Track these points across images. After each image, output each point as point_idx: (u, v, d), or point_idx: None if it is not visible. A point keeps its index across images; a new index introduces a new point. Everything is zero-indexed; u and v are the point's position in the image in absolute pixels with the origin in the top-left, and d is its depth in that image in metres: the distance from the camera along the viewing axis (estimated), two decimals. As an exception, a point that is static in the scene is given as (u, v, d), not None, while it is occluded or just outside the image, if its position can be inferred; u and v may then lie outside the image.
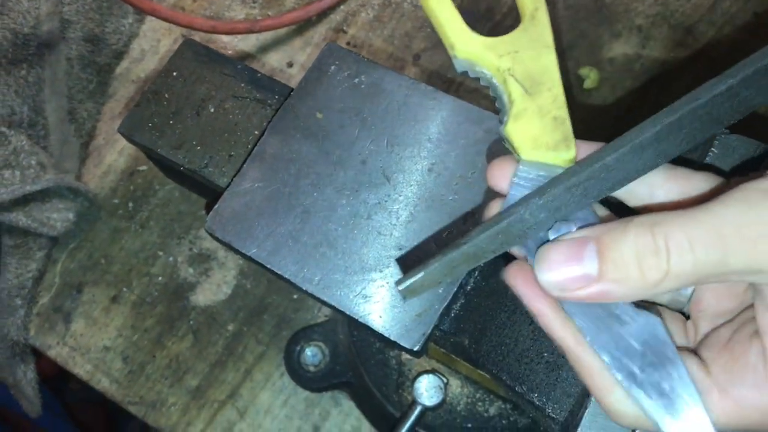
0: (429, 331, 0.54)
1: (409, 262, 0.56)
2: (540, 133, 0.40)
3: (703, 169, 0.41)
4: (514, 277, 0.40)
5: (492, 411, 0.69)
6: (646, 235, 0.34)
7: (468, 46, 0.42)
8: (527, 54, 0.42)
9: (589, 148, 0.40)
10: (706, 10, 0.89)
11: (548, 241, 0.38)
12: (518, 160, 0.40)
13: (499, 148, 0.44)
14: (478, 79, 0.43)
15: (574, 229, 0.38)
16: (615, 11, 0.90)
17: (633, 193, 0.41)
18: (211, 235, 0.60)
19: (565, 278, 0.36)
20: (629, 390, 0.37)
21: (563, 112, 0.40)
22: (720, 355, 0.37)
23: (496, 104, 0.43)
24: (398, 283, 0.39)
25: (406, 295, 0.39)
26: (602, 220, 0.39)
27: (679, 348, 0.38)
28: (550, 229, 0.38)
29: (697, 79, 0.85)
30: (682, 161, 0.40)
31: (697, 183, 0.40)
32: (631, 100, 0.86)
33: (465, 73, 0.44)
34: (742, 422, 0.37)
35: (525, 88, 0.41)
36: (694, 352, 0.39)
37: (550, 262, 0.36)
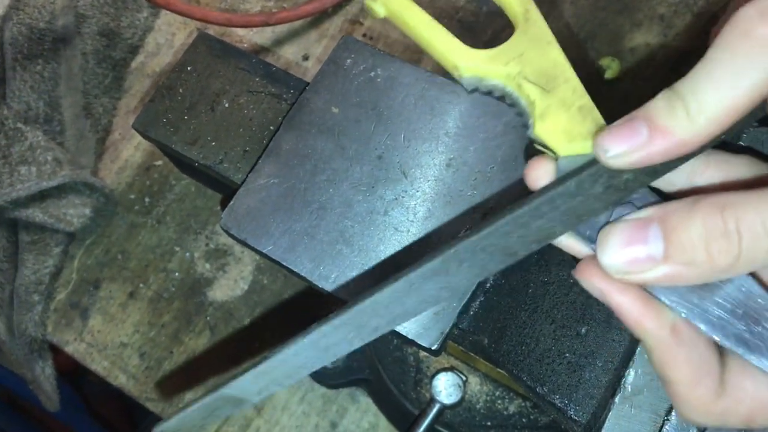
0: (447, 330, 0.53)
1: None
2: (570, 125, 0.39)
3: (742, 152, 0.39)
4: (587, 273, 0.37)
5: (512, 409, 0.68)
6: (715, 216, 0.32)
7: (472, 63, 0.41)
8: (533, 54, 0.40)
9: None
10: (731, -3, 0.87)
11: (608, 222, 0.36)
12: (557, 159, 0.39)
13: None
14: (490, 93, 0.42)
15: (634, 210, 0.36)
16: (636, 0, 0.88)
17: (671, 182, 0.39)
18: (226, 232, 0.59)
19: (628, 260, 0.34)
20: (746, 356, 0.34)
21: (587, 100, 0.39)
22: None
23: (516, 112, 0.42)
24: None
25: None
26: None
27: None
28: (610, 213, 0.36)
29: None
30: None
31: (739, 167, 0.38)
32: (653, 91, 0.84)
33: (475, 90, 0.42)
34: None
35: (541, 87, 0.39)
36: None
37: (613, 244, 0.34)
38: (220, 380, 0.80)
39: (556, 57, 0.40)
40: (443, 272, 0.35)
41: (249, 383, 0.37)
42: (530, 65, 0.40)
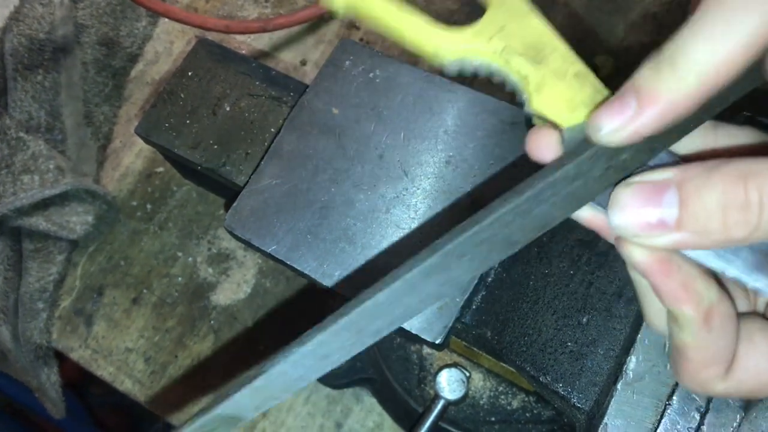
0: (451, 324, 0.54)
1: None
2: (570, 94, 0.37)
3: (745, 123, 0.38)
4: (629, 247, 0.34)
5: (515, 404, 0.69)
6: (737, 185, 0.30)
7: (452, 45, 0.38)
8: (514, 26, 0.38)
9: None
10: (722, -5, 0.88)
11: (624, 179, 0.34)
12: (561, 130, 0.37)
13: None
14: (476, 74, 0.40)
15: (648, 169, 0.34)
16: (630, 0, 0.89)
17: (685, 149, 0.38)
18: (230, 233, 0.60)
19: (640, 222, 0.32)
20: None
21: (581, 66, 0.37)
22: None
23: (507, 89, 0.40)
24: None
25: None
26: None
27: (743, 314, 0.36)
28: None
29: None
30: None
31: (748, 139, 0.37)
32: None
33: (461, 74, 0.40)
34: None
35: (530, 59, 0.38)
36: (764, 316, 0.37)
37: (625, 205, 0.33)
38: (225, 384, 0.81)
39: (538, 26, 0.38)
40: (444, 268, 0.34)
41: (245, 400, 0.34)
42: (514, 38, 0.38)
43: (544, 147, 0.37)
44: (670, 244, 0.32)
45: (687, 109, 0.31)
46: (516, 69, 0.38)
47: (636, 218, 0.32)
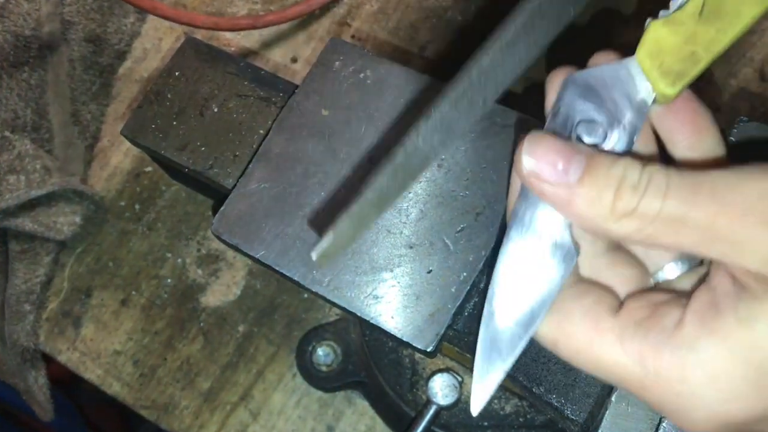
0: (442, 332, 0.53)
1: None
2: (670, 51, 0.37)
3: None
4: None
5: (508, 408, 0.68)
6: (635, 167, 0.35)
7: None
8: None
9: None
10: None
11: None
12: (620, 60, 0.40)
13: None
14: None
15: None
16: (624, -4, 0.88)
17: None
18: (218, 237, 0.59)
19: (546, 168, 0.36)
20: None
21: (706, 55, 0.37)
22: (643, 306, 0.38)
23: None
24: (313, 251, 0.36)
25: (322, 263, 0.36)
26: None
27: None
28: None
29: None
30: None
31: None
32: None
33: None
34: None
35: (701, 8, 0.37)
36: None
37: (541, 147, 0.36)
38: (216, 385, 0.80)
39: (742, 7, 0.38)
40: (530, 30, 0.36)
41: (388, 183, 0.36)
42: None
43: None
44: (561, 199, 0.36)
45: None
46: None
47: (544, 163, 0.36)
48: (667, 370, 0.34)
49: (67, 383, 1.29)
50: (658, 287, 0.41)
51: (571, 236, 0.39)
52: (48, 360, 0.86)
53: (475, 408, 0.41)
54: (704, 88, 0.82)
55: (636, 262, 0.42)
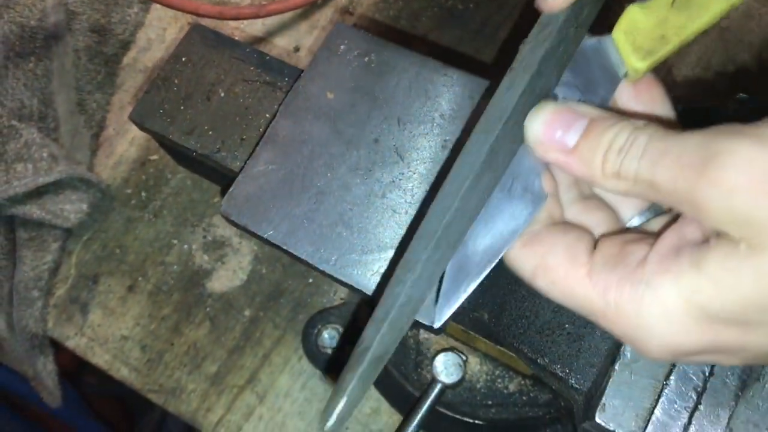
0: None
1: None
2: (643, 31, 0.41)
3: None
4: None
5: (512, 387, 0.69)
6: (626, 131, 0.37)
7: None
8: None
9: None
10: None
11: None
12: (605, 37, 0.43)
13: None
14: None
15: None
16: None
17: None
18: (226, 219, 0.59)
19: (548, 136, 0.40)
20: None
21: (674, 39, 0.41)
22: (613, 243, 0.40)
23: None
24: (325, 420, 0.36)
25: (336, 429, 0.36)
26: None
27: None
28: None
29: (707, 49, 0.84)
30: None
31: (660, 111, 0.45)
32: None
33: None
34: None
35: None
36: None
37: (546, 118, 0.40)
38: (223, 369, 0.80)
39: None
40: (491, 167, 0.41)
41: (388, 339, 0.39)
42: None
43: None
44: (562, 162, 0.40)
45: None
46: None
47: (547, 132, 0.40)
48: (626, 303, 0.37)
49: (71, 374, 1.30)
50: (633, 229, 0.44)
51: (542, 182, 0.42)
52: (55, 347, 0.87)
53: (438, 321, 0.47)
54: (701, 74, 0.83)
55: (609, 207, 0.45)
